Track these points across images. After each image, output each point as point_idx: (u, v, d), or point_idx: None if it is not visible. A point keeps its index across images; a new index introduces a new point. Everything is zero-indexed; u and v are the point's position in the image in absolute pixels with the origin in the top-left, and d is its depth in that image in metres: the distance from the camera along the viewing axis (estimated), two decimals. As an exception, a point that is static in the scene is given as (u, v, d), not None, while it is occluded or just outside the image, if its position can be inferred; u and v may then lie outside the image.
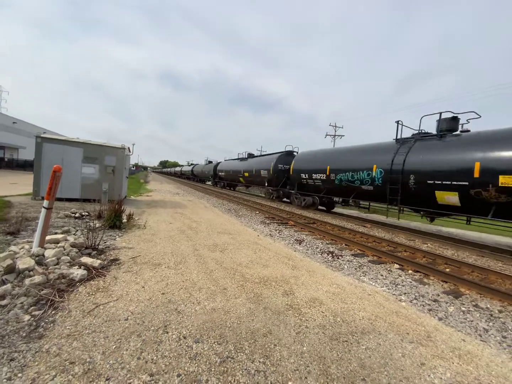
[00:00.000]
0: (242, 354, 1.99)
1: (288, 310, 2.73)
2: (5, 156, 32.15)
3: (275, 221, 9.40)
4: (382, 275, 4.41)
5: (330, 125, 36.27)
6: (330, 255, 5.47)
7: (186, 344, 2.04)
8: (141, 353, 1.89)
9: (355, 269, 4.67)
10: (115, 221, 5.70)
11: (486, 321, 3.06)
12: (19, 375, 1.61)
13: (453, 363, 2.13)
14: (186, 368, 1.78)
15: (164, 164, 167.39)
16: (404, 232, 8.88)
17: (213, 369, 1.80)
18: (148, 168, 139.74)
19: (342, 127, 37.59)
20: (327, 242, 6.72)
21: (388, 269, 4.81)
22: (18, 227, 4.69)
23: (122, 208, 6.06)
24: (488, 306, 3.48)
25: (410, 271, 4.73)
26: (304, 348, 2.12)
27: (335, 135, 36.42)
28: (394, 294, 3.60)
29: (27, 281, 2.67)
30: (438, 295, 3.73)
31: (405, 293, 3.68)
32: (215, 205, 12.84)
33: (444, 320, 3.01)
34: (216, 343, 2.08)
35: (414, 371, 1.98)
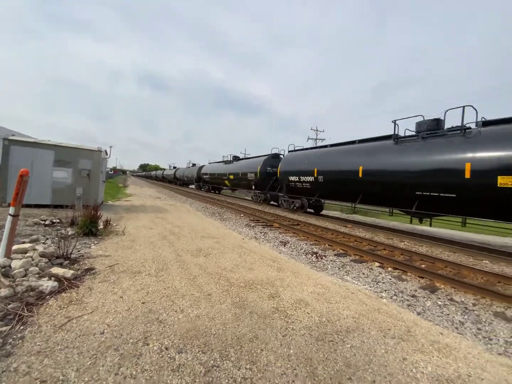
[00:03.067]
0: (228, 361, 1.92)
1: (274, 313, 2.70)
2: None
3: (260, 223, 9.40)
4: (364, 274, 4.53)
5: (311, 129, 37.23)
6: (314, 255, 5.54)
7: (169, 355, 1.94)
8: (119, 368, 1.76)
9: (338, 268, 4.76)
10: (91, 227, 5.38)
11: (461, 314, 3.24)
12: (-19, 400, 1.43)
13: (433, 356, 2.21)
14: (168, 382, 1.68)
15: (144, 167, 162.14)
16: (383, 231, 9.24)
17: (197, 380, 1.72)
18: (128, 172, 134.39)
19: (323, 131, 38.69)
20: (311, 243, 6.81)
21: (370, 267, 4.96)
22: (-21, 237, 4.27)
23: (99, 213, 5.74)
24: (463, 299, 3.69)
25: (389, 269, 4.92)
26: (291, 351, 2.10)
27: (316, 139, 37.40)
28: (375, 292, 3.71)
29: (-11, 296, 2.42)
30: (416, 291, 3.89)
31: (385, 290, 3.81)
32: (199, 209, 12.60)
33: (423, 314, 3.14)
34: (200, 352, 2.00)
35: (397, 367, 2.03)
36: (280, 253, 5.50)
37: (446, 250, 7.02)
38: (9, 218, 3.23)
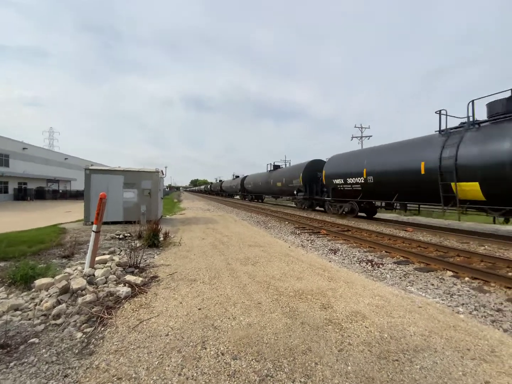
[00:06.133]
0: (281, 372, 1.90)
1: (327, 325, 2.58)
2: (59, 188, 36.80)
3: (306, 230, 9.15)
4: (433, 284, 3.96)
5: (355, 126, 35.02)
6: (369, 263, 5.10)
7: (224, 361, 2.03)
8: (182, 369, 1.92)
9: (400, 278, 4.27)
10: (153, 240, 6.06)
11: None
12: (73, 390, 1.71)
13: (527, 383, 1.79)
14: (225, 386, 1.76)
15: (194, 182, 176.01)
16: (455, 235, 7.96)
17: (252, 388, 1.75)
18: (181, 188, 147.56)
19: (369, 127, 35.90)
20: (365, 250, 6.30)
21: (440, 277, 4.31)
22: (72, 251, 5.24)
23: (159, 227, 6.44)
24: None
25: (466, 278, 4.18)
26: (349, 368, 1.96)
27: (361, 137, 34.96)
28: (449, 306, 3.20)
29: (79, 300, 2.93)
30: (502, 304, 3.22)
31: (462, 304, 3.25)
32: (244, 218, 12.98)
33: (511, 331, 2.58)
34: (254, 360, 2.03)
35: (482, 395, 1.70)
36: (330, 261, 5.24)
37: (546, 255, 5.64)
38: (92, 235, 3.89)
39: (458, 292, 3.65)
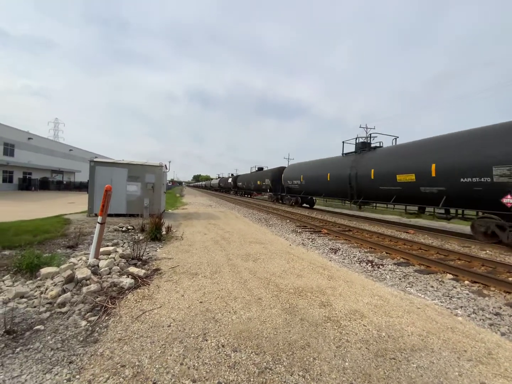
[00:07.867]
0: (280, 366, 1.95)
1: (326, 322, 2.62)
2: (63, 179, 37.05)
3: (307, 229, 9.18)
4: (432, 287, 3.98)
5: (360, 127, 34.84)
6: (369, 264, 5.13)
7: (225, 352, 2.08)
8: (184, 359, 1.97)
9: (399, 279, 4.29)
10: (156, 233, 6.13)
11: None
12: (77, 376, 1.76)
13: (523, 386, 1.82)
14: (226, 377, 1.81)
15: (197, 178, 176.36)
16: (457, 238, 7.94)
17: (252, 380, 1.79)
18: (183, 183, 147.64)
19: (374, 128, 35.68)
20: (366, 250, 6.32)
21: (440, 279, 4.33)
22: (76, 241, 5.33)
23: (162, 221, 6.51)
24: None
25: (466, 282, 4.20)
26: (346, 364, 2.00)
27: (366, 137, 34.78)
28: (448, 308, 3.22)
29: (84, 289, 3.00)
30: (501, 308, 3.25)
31: (461, 307, 3.27)
32: (246, 215, 13.04)
33: (508, 335, 2.61)
34: (253, 353, 2.08)
35: (477, 395, 1.73)
36: (330, 260, 5.27)
37: (548, 262, 5.61)
38: (97, 226, 3.95)
39: (457, 295, 3.67)
